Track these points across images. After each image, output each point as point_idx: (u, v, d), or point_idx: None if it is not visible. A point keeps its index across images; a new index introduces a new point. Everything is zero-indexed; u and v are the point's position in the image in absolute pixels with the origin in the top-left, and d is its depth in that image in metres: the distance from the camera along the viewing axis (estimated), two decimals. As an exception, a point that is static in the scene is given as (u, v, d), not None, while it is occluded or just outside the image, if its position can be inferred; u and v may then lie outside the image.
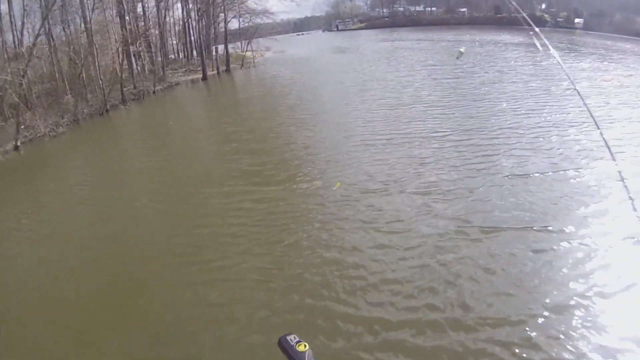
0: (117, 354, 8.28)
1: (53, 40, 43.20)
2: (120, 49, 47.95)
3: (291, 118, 24.90)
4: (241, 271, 10.28)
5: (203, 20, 60.98)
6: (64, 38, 45.00)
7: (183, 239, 12.38)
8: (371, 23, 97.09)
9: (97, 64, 43.97)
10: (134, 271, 11.19)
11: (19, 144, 33.39)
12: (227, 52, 60.58)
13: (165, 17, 58.07)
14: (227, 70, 59.06)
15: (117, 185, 19.28)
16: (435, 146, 17.34)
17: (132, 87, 47.88)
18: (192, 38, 63.35)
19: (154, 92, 49.04)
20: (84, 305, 9.94)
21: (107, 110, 42.28)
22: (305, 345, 2.26)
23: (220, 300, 9.39)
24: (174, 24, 62.42)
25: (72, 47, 44.25)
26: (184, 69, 58.46)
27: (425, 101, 24.24)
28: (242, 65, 59.43)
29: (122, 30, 49.43)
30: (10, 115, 35.66)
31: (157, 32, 56.59)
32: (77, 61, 43.34)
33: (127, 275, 11.05)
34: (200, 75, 54.62)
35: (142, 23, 54.07)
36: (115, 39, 49.34)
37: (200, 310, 9.18)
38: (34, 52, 38.20)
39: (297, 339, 2.33)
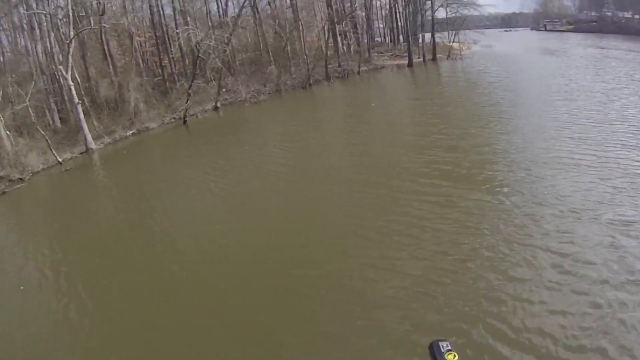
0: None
1: (258, 12, 44.56)
2: (326, 27, 47.21)
3: (492, 119, 22.57)
4: (415, 266, 10.31)
5: (410, 6, 57.56)
6: (269, 11, 46.23)
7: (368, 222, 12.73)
8: (579, 26, 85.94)
9: (302, 39, 44.22)
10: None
11: (218, 105, 35.71)
12: (433, 40, 57.11)
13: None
14: (434, 59, 55.65)
15: (310, 156, 20.59)
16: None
17: (337, 65, 46.87)
18: (399, 23, 60.98)
19: (358, 73, 47.34)
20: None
21: (310, 85, 41.85)
22: (454, 356, 2.17)
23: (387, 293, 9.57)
24: (381, 7, 61.35)
25: (277, 20, 45.19)
26: (389, 53, 56.45)
27: (632, 121, 19.73)
28: (449, 56, 55.17)
29: (328, 8, 48.63)
30: (212, 79, 37.58)
31: (363, 13, 55.77)
32: (282, 35, 43.83)
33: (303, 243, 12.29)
34: (406, 62, 51.61)
35: (349, 4, 53.31)
36: (321, 17, 49.15)
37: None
38: (239, 22, 40.43)
39: (449, 347, 2.23)
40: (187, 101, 32.21)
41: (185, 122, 32.08)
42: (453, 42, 59.31)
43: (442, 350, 2.20)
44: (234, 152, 23.45)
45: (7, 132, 27.10)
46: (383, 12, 61.75)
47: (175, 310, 10.10)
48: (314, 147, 22.48)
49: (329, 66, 44.27)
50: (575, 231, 10.76)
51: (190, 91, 32.53)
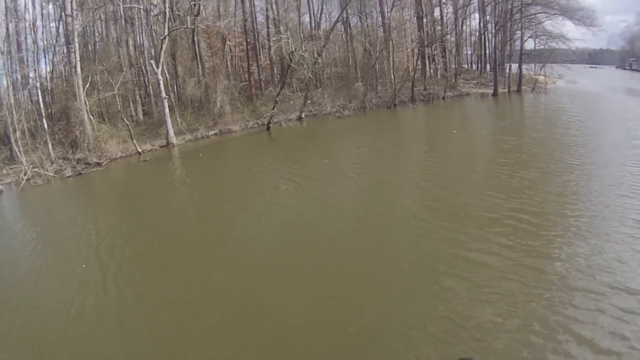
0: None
1: (350, 29, 42.79)
2: (415, 50, 45.22)
3: (564, 162, 18.34)
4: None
5: (499, 35, 54.37)
6: (360, 29, 44.19)
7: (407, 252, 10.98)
8: None
9: (391, 59, 42.16)
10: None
11: (303, 115, 33.93)
12: (520, 71, 52.93)
13: (462, 25, 54.53)
14: (518, 90, 52.14)
15: (386, 173, 18.84)
16: None
17: (423, 88, 44.12)
18: (487, 51, 57.08)
19: (443, 98, 44.54)
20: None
21: (394, 105, 39.57)
22: None
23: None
24: (470, 33, 58.27)
25: (368, 38, 43.21)
26: (475, 81, 53.14)
27: None
28: (534, 89, 50.94)
29: (419, 31, 46.55)
30: (298, 89, 36.16)
31: (453, 38, 53.18)
32: (372, 53, 41.75)
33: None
34: (491, 91, 48.64)
35: (439, 27, 50.70)
36: (412, 39, 47.21)
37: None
38: (331, 36, 38.77)
39: None
40: (273, 108, 30.63)
41: (268, 128, 30.33)
42: (539, 74, 55.56)
43: None
44: (313, 162, 21.20)
45: (91, 117, 26.13)
46: (472, 39, 58.15)
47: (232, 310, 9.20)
48: (391, 171, 19.45)
49: (415, 89, 41.89)
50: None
51: (278, 99, 31.02)
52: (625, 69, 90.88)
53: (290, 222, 13.50)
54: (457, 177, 17.01)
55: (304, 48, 32.41)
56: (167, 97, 27.65)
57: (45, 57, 31.20)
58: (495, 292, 8.80)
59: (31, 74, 29.64)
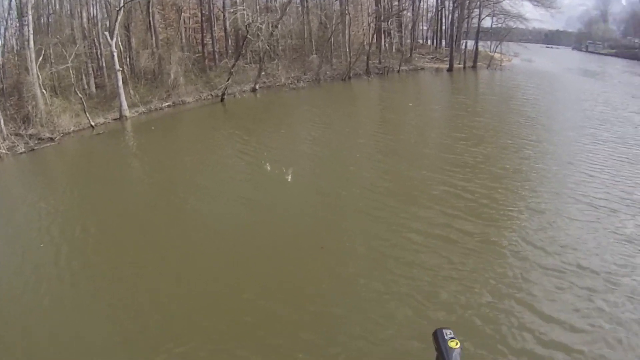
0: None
1: (306, 1, 42.91)
2: (372, 24, 45.75)
3: (520, 138, 19.06)
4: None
5: (457, 12, 55.14)
6: (316, 1, 44.27)
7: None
8: (621, 51, 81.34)
9: (347, 32, 42.39)
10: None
11: (257, 87, 34.39)
12: (476, 48, 54.27)
13: (420, 0, 55.08)
14: (474, 66, 53.60)
15: (341, 145, 19.05)
16: None
17: (378, 62, 45.00)
18: (443, 27, 58.65)
19: (398, 71, 45.64)
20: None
21: (349, 77, 40.46)
22: (457, 343, 2.18)
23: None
24: (427, 10, 58.91)
25: (324, 11, 43.27)
26: (430, 56, 54.15)
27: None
28: (489, 65, 52.67)
29: (376, 5, 47.32)
30: (252, 61, 36.60)
31: (409, 14, 53.46)
32: (328, 26, 42.20)
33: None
34: (447, 66, 49.96)
35: (396, 3, 50.95)
36: (369, 13, 48.02)
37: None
38: (287, 8, 38.92)
39: (452, 335, 2.24)
40: (228, 79, 30.87)
41: (222, 99, 30.69)
42: (495, 52, 56.87)
43: (446, 338, 2.20)
44: (267, 132, 22.06)
45: (44, 91, 25.99)
46: (429, 15, 59.03)
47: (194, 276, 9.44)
48: (344, 139, 20.30)
49: (370, 62, 42.72)
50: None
51: (232, 70, 31.22)
52: (581, 51, 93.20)
53: (246, 197, 13.65)
54: (412, 151, 17.81)
55: (260, 20, 32.66)
56: (120, 69, 27.46)
57: (-5, 30, 30.46)
58: (455, 268, 9.14)
59: (-19, 49, 29.06)
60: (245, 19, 32.55)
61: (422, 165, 15.72)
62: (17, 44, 30.28)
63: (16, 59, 29.63)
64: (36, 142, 23.31)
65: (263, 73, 34.69)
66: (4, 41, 30.52)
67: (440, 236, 10.47)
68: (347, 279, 9.07)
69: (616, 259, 9.35)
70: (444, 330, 2.28)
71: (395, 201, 12.62)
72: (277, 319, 7.92)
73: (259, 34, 32.71)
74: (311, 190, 14.33)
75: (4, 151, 22.46)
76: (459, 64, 51.67)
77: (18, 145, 22.74)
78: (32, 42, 26.04)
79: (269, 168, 16.06)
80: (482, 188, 13.19)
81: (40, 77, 25.89)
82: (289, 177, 14.97)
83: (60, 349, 7.71)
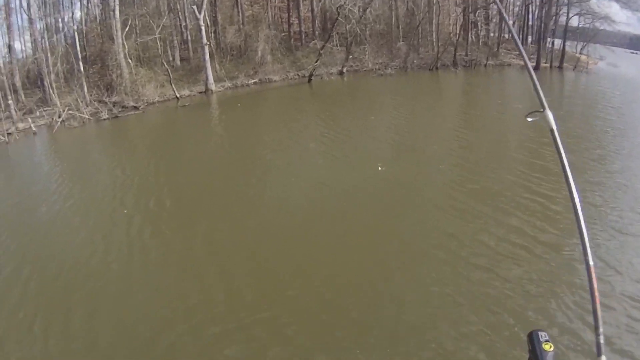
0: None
1: None
2: (460, 15, 43.58)
3: (607, 149, 14.95)
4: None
5: (544, 8, 51.14)
6: None
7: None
8: None
9: (435, 21, 40.24)
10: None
11: (344, 70, 31.98)
12: (564, 47, 49.62)
13: None
14: (560, 67, 48.48)
15: (422, 139, 16.57)
16: None
17: (464, 54, 41.72)
18: (529, 23, 53.89)
19: (485, 65, 42.32)
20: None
21: (437, 68, 37.61)
22: (550, 346, 2.10)
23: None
24: (514, 3, 54.06)
25: None
26: (516, 52, 48.61)
27: None
28: (576, 67, 47.65)
29: None
30: (339, 44, 33.79)
31: (497, 7, 49.99)
32: (416, 13, 39.61)
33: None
34: (533, 64, 44.43)
35: None
36: (457, 3, 45.30)
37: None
38: None
39: (546, 338, 2.13)
40: (317, 60, 28.87)
41: (310, 80, 28.52)
42: (581, 53, 52.87)
43: (541, 340, 2.12)
44: (352, 118, 19.52)
45: (129, 60, 24.61)
46: (515, 9, 54.96)
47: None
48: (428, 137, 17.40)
49: (457, 54, 39.67)
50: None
51: (321, 51, 29.14)
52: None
53: (323, 183, 12.20)
54: (496, 152, 14.96)
55: (351, 2, 30.53)
56: (207, 43, 25.97)
57: (79, 0, 29.82)
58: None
59: (66, 18, 28.39)
60: (336, 0, 30.35)
61: (507, 168, 12.99)
62: (100, 14, 29.46)
63: (99, 28, 28.77)
64: (120, 109, 22.05)
65: (350, 57, 32.26)
66: (87, 11, 29.84)
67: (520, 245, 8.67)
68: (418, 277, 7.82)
69: None
70: (539, 333, 2.11)
71: (478, 203, 10.44)
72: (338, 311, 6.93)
73: (350, 16, 30.77)
74: (392, 181, 12.25)
75: (86, 116, 21.35)
76: (546, 62, 47.97)
77: (101, 112, 21.66)
78: (117, 12, 25.13)
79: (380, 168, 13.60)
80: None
81: (126, 46, 24.65)
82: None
83: (123, 315, 7.10)
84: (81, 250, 9.11)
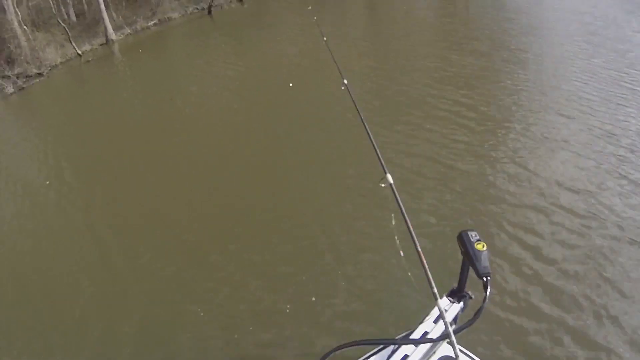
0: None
1: None
2: None
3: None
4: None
5: None
6: None
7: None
8: None
9: None
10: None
11: None
12: None
13: None
14: None
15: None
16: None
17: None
18: None
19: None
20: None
21: None
22: (483, 245, 2.00)
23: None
24: None
25: None
26: None
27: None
28: None
29: None
30: None
31: None
32: None
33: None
34: None
35: None
36: None
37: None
38: None
39: (477, 237, 2.05)
40: None
41: (210, 12, 28.33)
42: None
43: (472, 240, 2.03)
44: (260, 46, 19.81)
45: (24, 27, 24.31)
46: None
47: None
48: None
49: None
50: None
51: None
52: None
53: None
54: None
55: None
56: (100, -8, 25.47)
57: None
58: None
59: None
60: None
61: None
62: (-12, -18, 28.09)
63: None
64: (24, 80, 22.10)
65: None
66: None
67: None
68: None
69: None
70: (470, 233, 2.07)
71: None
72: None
73: None
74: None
75: None
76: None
77: (7, 87, 21.60)
78: None
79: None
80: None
81: (18, 13, 24.16)
82: (291, 84, 13.78)
83: (42, 268, 7.52)
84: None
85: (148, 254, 7.23)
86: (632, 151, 7.79)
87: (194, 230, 7.63)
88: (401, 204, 2.28)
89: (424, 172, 7.96)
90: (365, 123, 3.06)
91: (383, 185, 2.47)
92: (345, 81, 4.01)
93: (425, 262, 1.99)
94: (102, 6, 25.26)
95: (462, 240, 2.05)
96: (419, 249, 2.04)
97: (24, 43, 23.63)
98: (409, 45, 16.40)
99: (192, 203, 8.52)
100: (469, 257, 1.98)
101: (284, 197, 8.09)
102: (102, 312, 6.26)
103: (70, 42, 23.85)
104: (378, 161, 2.64)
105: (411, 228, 2.13)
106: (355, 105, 3.43)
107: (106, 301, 6.45)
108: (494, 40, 15.35)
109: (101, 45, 24.99)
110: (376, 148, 2.77)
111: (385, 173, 2.50)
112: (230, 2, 29.96)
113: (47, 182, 10.82)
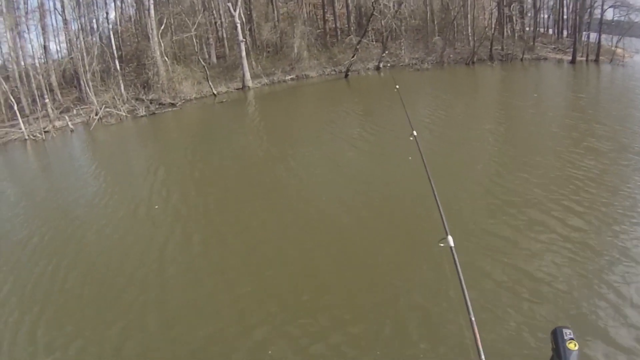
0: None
1: None
2: (495, 9, 41.31)
3: None
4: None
5: (579, 1, 48.57)
6: None
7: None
8: None
9: (470, 16, 38.80)
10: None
11: (381, 65, 30.52)
12: (599, 40, 46.44)
13: None
14: (596, 60, 45.15)
15: (462, 133, 14.35)
16: None
17: (500, 48, 39.37)
18: (565, 17, 50.84)
19: (521, 59, 40.03)
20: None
21: (473, 62, 35.66)
22: (575, 345, 1.97)
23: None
24: None
25: None
26: (552, 46, 46.41)
27: None
28: (612, 60, 44.53)
29: None
30: (374, 39, 32.72)
31: (531, 0, 46.96)
32: (451, 8, 38.17)
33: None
34: (569, 57, 42.40)
35: None
36: None
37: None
38: None
39: (571, 335, 2.01)
40: (353, 56, 27.52)
41: (347, 75, 27.08)
42: (616, 46, 50.16)
43: (565, 338, 2.00)
44: (389, 111, 17.76)
45: (165, 58, 23.56)
46: (550, 3, 52.74)
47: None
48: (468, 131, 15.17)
49: (493, 48, 37.76)
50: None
51: (358, 47, 27.83)
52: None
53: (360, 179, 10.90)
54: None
55: (381, -1, 29.00)
56: (243, 40, 24.92)
57: (113, 1, 29.06)
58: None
59: (100, 18, 27.64)
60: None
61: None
62: (135, 13, 28.64)
63: (134, 28, 27.91)
64: (157, 106, 21.08)
65: (386, 52, 30.69)
66: (121, 11, 29.09)
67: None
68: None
69: None
70: (564, 330, 1.98)
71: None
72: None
73: (385, 11, 29.42)
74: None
75: (123, 113, 20.59)
76: (582, 56, 45.61)
77: (139, 109, 20.74)
78: (152, 11, 24.30)
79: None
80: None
81: (162, 44, 23.68)
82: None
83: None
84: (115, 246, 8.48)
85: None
86: None
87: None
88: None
89: None
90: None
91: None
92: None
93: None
94: (244, 53, 24.51)
95: (555, 337, 2.00)
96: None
97: (162, 73, 22.88)
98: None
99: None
100: (558, 355, 1.91)
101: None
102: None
103: (207, 81, 22.94)
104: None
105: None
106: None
107: None
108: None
109: (237, 89, 24.19)
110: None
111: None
112: (368, 69, 28.65)
113: (156, 207, 10.14)
